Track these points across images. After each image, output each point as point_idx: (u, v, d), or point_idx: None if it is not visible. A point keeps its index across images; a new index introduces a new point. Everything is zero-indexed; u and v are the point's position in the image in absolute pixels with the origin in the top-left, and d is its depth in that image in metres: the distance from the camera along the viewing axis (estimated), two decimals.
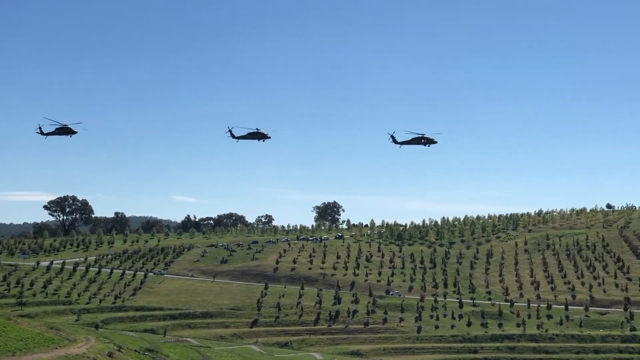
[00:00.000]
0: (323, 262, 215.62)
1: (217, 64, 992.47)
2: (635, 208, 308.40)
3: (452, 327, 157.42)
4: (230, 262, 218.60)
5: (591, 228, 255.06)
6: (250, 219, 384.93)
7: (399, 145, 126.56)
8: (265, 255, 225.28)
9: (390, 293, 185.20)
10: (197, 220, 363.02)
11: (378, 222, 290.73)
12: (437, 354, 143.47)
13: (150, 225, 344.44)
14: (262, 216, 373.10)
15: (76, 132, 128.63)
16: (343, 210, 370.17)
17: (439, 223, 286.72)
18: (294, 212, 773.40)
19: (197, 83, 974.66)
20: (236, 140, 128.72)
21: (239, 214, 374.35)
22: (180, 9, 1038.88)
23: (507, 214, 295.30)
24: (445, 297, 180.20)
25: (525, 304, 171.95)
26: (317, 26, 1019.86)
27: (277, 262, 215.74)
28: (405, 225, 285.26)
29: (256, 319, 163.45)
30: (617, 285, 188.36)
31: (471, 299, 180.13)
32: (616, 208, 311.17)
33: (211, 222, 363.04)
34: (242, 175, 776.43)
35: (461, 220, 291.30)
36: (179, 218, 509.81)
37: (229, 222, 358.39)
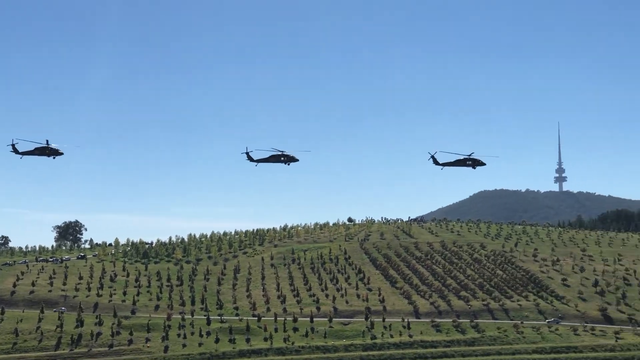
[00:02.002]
0: (64, 284, 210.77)
1: None
2: (375, 221, 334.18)
3: (200, 344, 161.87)
4: None
5: (334, 241, 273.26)
6: None
7: (441, 167, 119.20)
8: (1, 279, 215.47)
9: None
10: None
11: (123, 241, 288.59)
12: None
13: None
14: None
15: (62, 154, 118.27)
16: (85, 229, 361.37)
17: (186, 240, 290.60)
18: (33, 232, 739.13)
19: None
20: (255, 164, 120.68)
21: None
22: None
23: (253, 230, 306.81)
24: (192, 315, 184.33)
25: (273, 318, 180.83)
26: None
27: (15, 285, 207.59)
28: (151, 243, 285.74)
29: None
30: (358, 296, 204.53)
31: (219, 315, 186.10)
32: (357, 222, 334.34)
33: None
34: None
35: (208, 236, 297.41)
36: None
37: None
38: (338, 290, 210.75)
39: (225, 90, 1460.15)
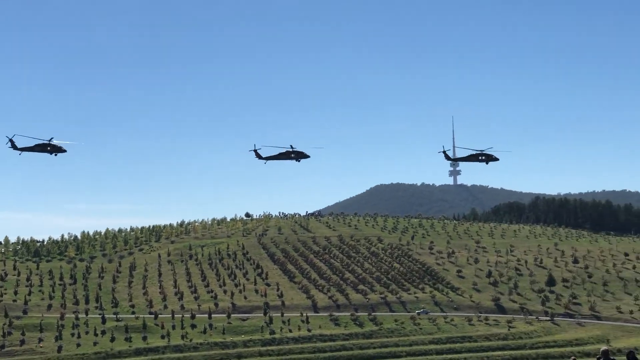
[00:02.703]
0: None
1: None
2: (272, 216, 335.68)
3: (95, 344, 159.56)
4: None
5: (232, 237, 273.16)
6: None
7: (452, 163, 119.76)
8: None
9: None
10: None
11: (13, 239, 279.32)
12: None
13: None
14: None
15: (65, 151, 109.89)
16: None
17: (79, 237, 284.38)
18: None
19: None
20: (264, 161, 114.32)
21: None
22: None
23: (149, 226, 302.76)
24: (87, 314, 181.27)
25: (170, 315, 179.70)
26: None
27: None
28: (43, 241, 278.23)
29: None
30: (257, 291, 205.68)
31: (114, 313, 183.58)
32: (254, 217, 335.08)
33: None
34: None
35: (102, 233, 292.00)
36: None
37: None
38: (236, 285, 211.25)
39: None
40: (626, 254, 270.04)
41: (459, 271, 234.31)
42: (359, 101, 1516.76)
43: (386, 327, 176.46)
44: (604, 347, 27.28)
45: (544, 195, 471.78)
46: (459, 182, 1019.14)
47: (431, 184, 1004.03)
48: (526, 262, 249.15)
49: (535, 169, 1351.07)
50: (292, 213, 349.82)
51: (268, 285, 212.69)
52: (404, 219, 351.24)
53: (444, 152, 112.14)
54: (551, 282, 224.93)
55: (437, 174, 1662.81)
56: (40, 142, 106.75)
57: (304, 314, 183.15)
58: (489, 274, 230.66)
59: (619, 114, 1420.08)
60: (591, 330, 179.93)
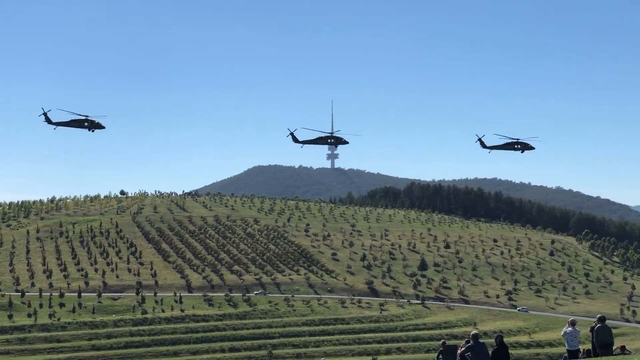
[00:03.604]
0: None
1: None
2: (148, 194, 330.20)
3: None
4: None
5: (105, 215, 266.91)
6: None
7: (489, 150, 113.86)
8: None
9: None
10: None
11: None
12: None
13: None
14: None
15: (104, 127, 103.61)
16: None
17: None
18: None
19: None
20: (301, 145, 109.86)
21: None
22: None
23: (18, 202, 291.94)
24: None
25: (37, 294, 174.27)
26: None
27: None
28: None
29: None
30: (129, 270, 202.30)
31: None
32: (130, 195, 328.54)
33: None
34: None
35: None
36: None
37: None
38: (108, 264, 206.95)
39: None
40: (495, 240, 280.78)
41: (334, 254, 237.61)
42: (240, 82, 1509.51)
43: (260, 308, 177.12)
44: (474, 331, 28.31)
45: (419, 181, 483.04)
46: (336, 166, 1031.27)
47: (309, 167, 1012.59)
48: (400, 246, 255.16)
49: (411, 155, 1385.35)
50: (169, 192, 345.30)
51: (141, 264, 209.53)
52: (281, 200, 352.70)
53: (480, 139, 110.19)
54: (423, 266, 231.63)
55: (316, 157, 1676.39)
56: (77, 117, 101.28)
57: (178, 294, 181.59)
58: (364, 258, 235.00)
59: (492, 104, 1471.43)
60: (459, 314, 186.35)
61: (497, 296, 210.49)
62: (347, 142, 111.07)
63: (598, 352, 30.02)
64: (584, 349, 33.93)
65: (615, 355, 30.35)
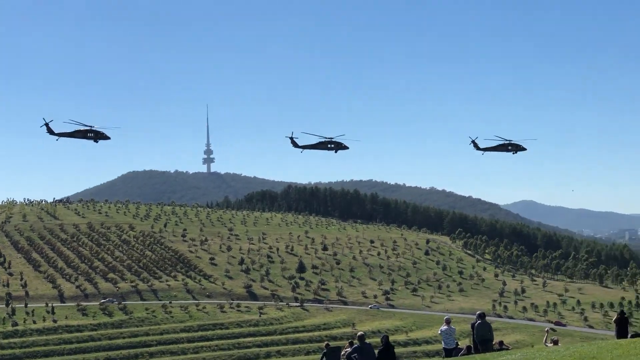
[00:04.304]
0: None
1: None
2: (16, 202, 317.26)
3: None
4: None
5: None
6: None
7: (482, 152, 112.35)
8: None
9: None
10: None
11: None
12: None
13: None
14: None
15: (109, 138, 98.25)
16: None
17: None
18: None
19: None
20: (301, 150, 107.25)
21: None
22: None
23: None
24: None
25: None
26: None
27: None
28: None
29: None
30: None
31: None
32: None
33: None
34: None
35: None
36: None
37: None
38: None
39: None
40: (372, 241, 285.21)
41: (211, 259, 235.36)
42: (111, 83, 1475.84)
43: (136, 316, 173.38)
44: (360, 332, 28.28)
45: (295, 184, 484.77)
46: (212, 170, 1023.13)
47: (185, 172, 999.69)
48: (278, 249, 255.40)
49: (287, 159, 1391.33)
50: (39, 200, 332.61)
51: (11, 274, 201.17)
52: (157, 206, 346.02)
53: (474, 141, 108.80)
54: (301, 268, 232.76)
55: (191, 162, 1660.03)
56: (82, 127, 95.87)
57: (50, 305, 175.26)
58: (242, 261, 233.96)
59: (363, 108, 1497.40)
60: (338, 315, 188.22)
61: (375, 296, 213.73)
62: (347, 148, 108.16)
63: (479, 348, 30.60)
64: (465, 345, 34.64)
65: (494, 350, 31.02)
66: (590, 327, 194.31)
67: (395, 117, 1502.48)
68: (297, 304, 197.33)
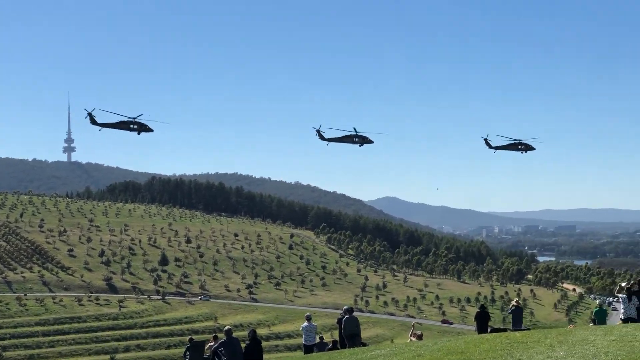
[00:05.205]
0: None
1: None
2: None
3: None
4: None
5: None
6: None
7: (494, 150, 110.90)
8: None
9: None
10: None
11: None
12: None
13: None
14: None
15: (152, 130, 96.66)
16: None
17: None
18: None
19: None
20: (327, 143, 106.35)
21: None
22: None
23: None
24: None
25: None
26: None
27: None
28: None
29: None
30: None
31: None
32: None
33: None
34: None
35: None
36: None
37: None
38: None
39: None
40: (236, 235, 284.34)
41: (70, 250, 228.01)
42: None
43: None
44: (227, 326, 27.63)
45: (160, 176, 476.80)
46: (73, 160, 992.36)
47: (44, 160, 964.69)
48: (140, 241, 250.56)
49: (151, 149, 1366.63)
50: None
51: None
52: (13, 195, 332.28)
53: (486, 139, 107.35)
54: (164, 261, 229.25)
55: (51, 150, 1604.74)
56: (125, 118, 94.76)
57: None
58: (102, 253, 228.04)
59: (229, 104, 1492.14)
60: (200, 309, 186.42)
61: (238, 290, 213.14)
62: (372, 142, 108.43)
63: (346, 343, 30.60)
64: (331, 340, 34.60)
65: (362, 345, 31.09)
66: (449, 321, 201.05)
67: (261, 111, 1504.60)
68: (159, 297, 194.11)
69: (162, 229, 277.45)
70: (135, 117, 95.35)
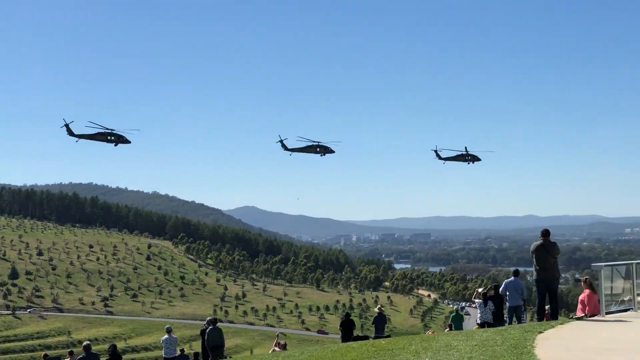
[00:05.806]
0: None
1: None
2: None
3: None
4: None
5: None
6: None
7: (443, 162, 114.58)
8: None
9: None
10: None
11: None
12: None
13: None
14: None
15: (129, 142, 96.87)
16: None
17: None
18: None
19: None
20: (290, 153, 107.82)
21: None
22: None
23: None
24: None
25: None
26: None
27: None
28: None
29: None
30: None
31: None
32: None
33: None
34: None
35: None
36: None
37: None
38: None
39: None
40: (91, 246, 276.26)
41: None
42: None
43: None
44: (86, 342, 26.53)
45: (9, 186, 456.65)
46: None
47: None
48: None
49: (0, 159, 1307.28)
50: None
51: None
52: None
53: (436, 151, 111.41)
54: (14, 275, 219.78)
55: None
56: (103, 130, 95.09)
57: None
58: None
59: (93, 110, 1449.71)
60: (53, 323, 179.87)
61: (93, 303, 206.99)
62: (333, 152, 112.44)
63: (209, 354, 30.14)
64: (193, 352, 34.09)
65: (225, 357, 30.75)
66: (307, 329, 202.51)
67: (126, 120, 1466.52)
68: (9, 312, 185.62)
69: (11, 241, 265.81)
70: (112, 129, 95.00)
